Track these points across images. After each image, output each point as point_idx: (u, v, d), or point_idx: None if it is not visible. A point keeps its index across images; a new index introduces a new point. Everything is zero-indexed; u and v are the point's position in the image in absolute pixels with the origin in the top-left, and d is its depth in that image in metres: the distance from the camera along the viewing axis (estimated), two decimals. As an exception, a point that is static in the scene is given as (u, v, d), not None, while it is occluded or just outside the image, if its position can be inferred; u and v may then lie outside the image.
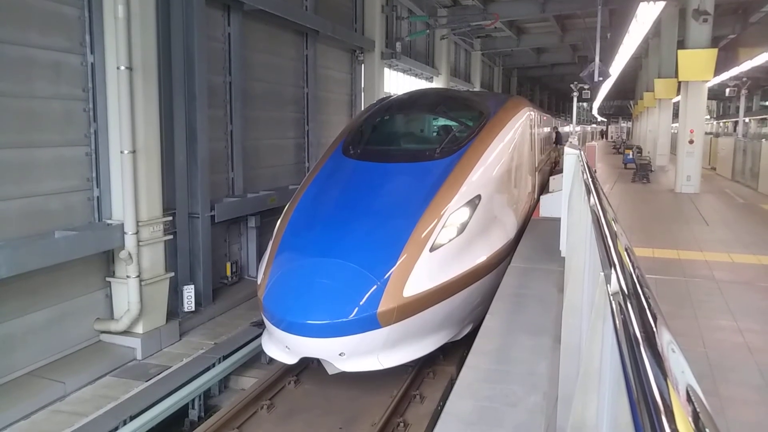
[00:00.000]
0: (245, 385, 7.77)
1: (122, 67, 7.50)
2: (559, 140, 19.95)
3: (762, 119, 46.74)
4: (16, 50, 6.76)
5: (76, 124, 7.58)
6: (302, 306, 5.92)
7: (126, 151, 7.63)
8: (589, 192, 3.53)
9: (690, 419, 0.80)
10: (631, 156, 20.95)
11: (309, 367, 7.36)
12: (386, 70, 19.04)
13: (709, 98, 27.46)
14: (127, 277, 7.80)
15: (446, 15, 23.67)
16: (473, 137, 7.94)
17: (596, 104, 55.27)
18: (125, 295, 7.88)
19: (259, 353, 8.05)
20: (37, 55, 7.01)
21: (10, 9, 6.68)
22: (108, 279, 8.09)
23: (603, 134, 71.21)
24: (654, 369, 0.95)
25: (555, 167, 17.68)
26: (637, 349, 1.05)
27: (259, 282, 6.75)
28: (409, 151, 8.17)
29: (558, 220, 7.82)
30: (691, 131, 14.59)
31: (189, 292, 9.15)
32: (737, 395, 4.12)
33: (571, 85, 28.39)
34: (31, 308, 7.10)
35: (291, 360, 6.32)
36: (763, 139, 18.11)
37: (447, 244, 6.49)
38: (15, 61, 6.75)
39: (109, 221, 7.88)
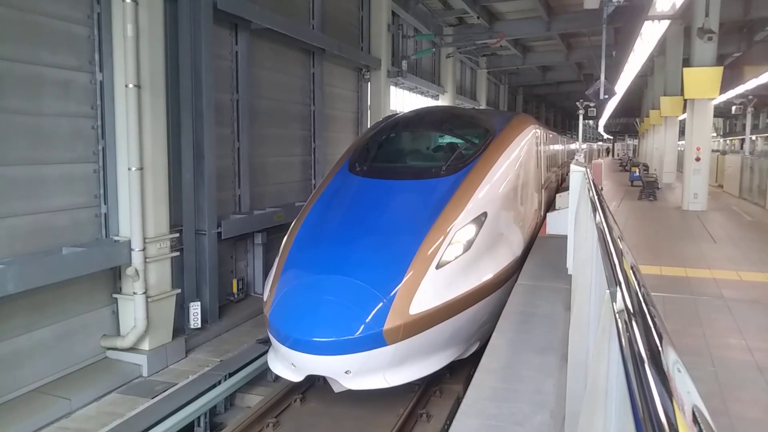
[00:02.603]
0: (251, 403, 7.74)
1: (130, 85, 7.58)
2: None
3: (769, 136, 46.60)
4: (27, 69, 6.85)
5: (84, 141, 7.65)
6: (308, 323, 5.90)
7: (133, 168, 7.69)
8: (595, 209, 3.53)
9: (696, 440, 0.80)
10: (637, 173, 20.93)
11: (315, 385, 7.33)
12: (392, 88, 19.15)
13: (715, 116, 27.45)
14: (134, 293, 7.82)
15: (452, 34, 23.85)
16: (479, 155, 7.95)
17: (602, 122, 55.29)
18: (132, 311, 7.89)
19: (265, 371, 8.03)
20: (46, 73, 7.09)
21: (22, 28, 6.78)
22: (115, 295, 8.11)
23: (609, 152, 71.17)
24: (659, 388, 0.95)
25: (561, 184, 17.67)
26: (642, 369, 1.05)
27: (265, 299, 6.75)
28: (415, 169, 8.18)
29: (565, 237, 7.80)
30: (698, 149, 14.56)
31: (195, 309, 9.15)
32: (747, 414, 4.08)
33: (577, 103, 28.43)
34: (37, 324, 7.12)
35: (297, 377, 6.29)
36: (771, 157, 18.08)
37: (453, 262, 6.48)
38: (25, 79, 6.84)
39: (116, 238, 7.92)
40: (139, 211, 7.74)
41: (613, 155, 66.40)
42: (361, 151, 8.55)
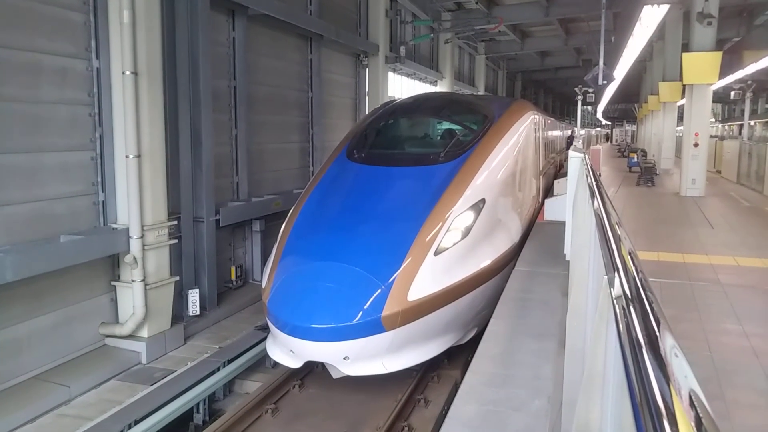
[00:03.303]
0: (250, 389, 7.78)
1: (127, 72, 7.53)
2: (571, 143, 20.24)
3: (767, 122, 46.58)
4: (23, 56, 6.80)
5: (81, 129, 7.62)
6: (306, 310, 5.92)
7: (131, 156, 7.66)
8: (593, 195, 3.53)
9: (692, 424, 0.80)
10: (635, 159, 20.92)
11: (314, 371, 7.36)
12: (390, 74, 19.06)
13: (714, 101, 27.43)
14: (132, 281, 7.82)
15: (450, 19, 23.71)
16: (477, 141, 7.94)
17: (600, 107, 55.16)
18: (130, 299, 7.90)
19: (264, 357, 8.06)
20: (43, 61, 7.05)
21: (18, 15, 6.72)
22: (113, 283, 8.11)
23: (608, 137, 71.13)
24: (656, 373, 0.95)
25: (560, 170, 17.67)
26: (640, 354, 1.05)
27: (263, 286, 6.76)
28: (413, 155, 8.17)
29: (563, 223, 7.80)
30: (696, 134, 14.56)
31: (194, 296, 9.16)
32: (743, 399, 4.10)
33: (576, 89, 28.35)
34: (36, 312, 7.13)
35: (295, 364, 6.32)
36: (769, 142, 18.05)
37: (451, 248, 6.48)
38: (22, 66, 6.79)
39: (114, 225, 7.91)
40: (137, 199, 7.73)
41: (611, 141, 66.35)
42: (359, 138, 8.53)
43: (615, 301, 1.50)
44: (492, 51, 31.97)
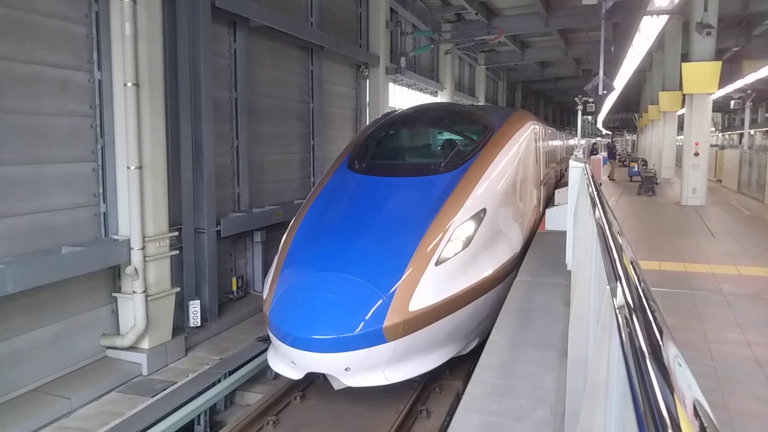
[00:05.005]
0: (251, 401, 7.75)
1: (129, 84, 7.56)
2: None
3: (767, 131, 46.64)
4: (25, 68, 6.83)
5: (83, 140, 7.64)
6: (308, 321, 5.91)
7: (132, 167, 7.68)
8: (594, 205, 3.53)
9: (697, 433, 0.79)
10: (636, 169, 20.94)
11: (315, 382, 7.34)
12: (391, 85, 19.12)
13: (713, 110, 27.50)
14: (134, 292, 7.81)
15: (450, 30, 23.82)
16: (478, 151, 7.95)
17: (601, 117, 55.25)
18: (131, 310, 7.89)
19: (265, 368, 8.04)
20: (45, 73, 7.07)
21: (19, 27, 6.76)
22: (114, 294, 8.10)
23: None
24: (660, 383, 0.95)
25: (560, 180, 17.68)
26: (644, 363, 1.05)
27: (264, 297, 6.75)
28: (414, 165, 8.18)
29: (564, 233, 7.80)
30: (697, 143, 14.58)
31: (195, 308, 9.15)
32: (746, 409, 4.08)
33: (576, 99, 28.43)
34: (37, 324, 7.12)
35: (297, 375, 6.30)
36: (769, 151, 18.06)
37: (453, 258, 6.48)
38: (23, 78, 6.82)
39: (115, 237, 7.91)
40: (138, 210, 7.73)
41: (611, 151, 66.31)
42: (359, 149, 8.55)
43: (617, 310, 1.49)
44: (492, 61, 32.10)
